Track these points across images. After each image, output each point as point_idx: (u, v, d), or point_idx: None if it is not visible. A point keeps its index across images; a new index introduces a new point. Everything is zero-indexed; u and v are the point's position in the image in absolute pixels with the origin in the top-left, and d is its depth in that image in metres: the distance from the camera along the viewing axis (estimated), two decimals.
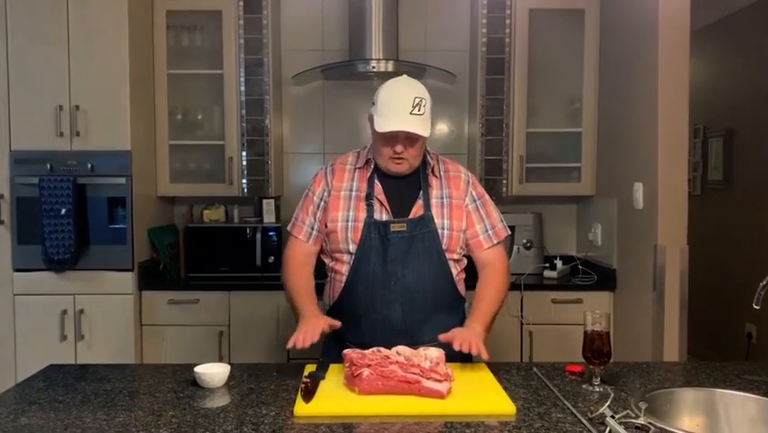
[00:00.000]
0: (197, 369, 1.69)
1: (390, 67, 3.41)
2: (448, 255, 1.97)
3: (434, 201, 1.98)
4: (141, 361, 3.20)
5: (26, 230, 3.09)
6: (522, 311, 3.25)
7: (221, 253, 3.41)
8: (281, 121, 3.76)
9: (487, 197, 2.09)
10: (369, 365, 1.61)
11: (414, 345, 1.76)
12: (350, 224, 1.95)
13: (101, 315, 3.13)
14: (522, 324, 3.26)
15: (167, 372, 1.85)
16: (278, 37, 3.67)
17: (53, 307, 3.11)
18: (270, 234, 3.41)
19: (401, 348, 1.72)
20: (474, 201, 2.04)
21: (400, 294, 1.92)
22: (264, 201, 3.49)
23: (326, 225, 1.99)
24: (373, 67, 3.41)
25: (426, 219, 1.95)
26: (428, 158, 2.02)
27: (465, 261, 2.06)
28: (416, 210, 1.96)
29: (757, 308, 1.65)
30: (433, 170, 2.01)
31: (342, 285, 1.97)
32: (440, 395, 1.55)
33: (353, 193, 1.98)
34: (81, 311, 3.12)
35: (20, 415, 1.49)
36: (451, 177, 2.04)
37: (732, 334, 4.45)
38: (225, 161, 3.46)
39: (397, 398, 1.55)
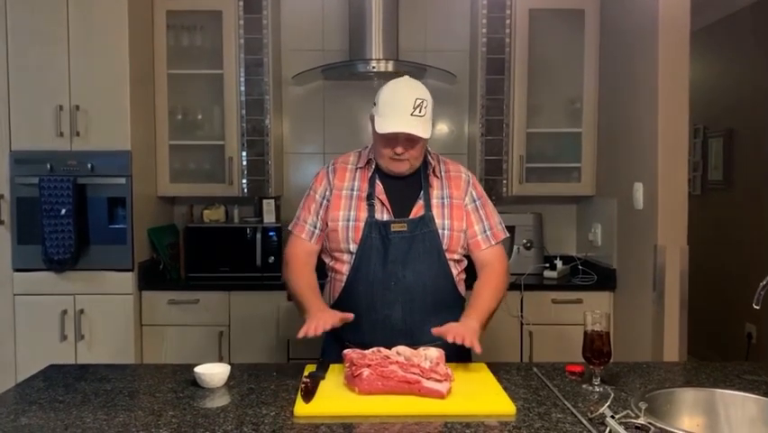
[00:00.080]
0: (197, 369, 1.69)
1: (390, 67, 3.41)
2: (448, 255, 1.97)
3: (434, 201, 1.98)
4: (141, 361, 3.20)
5: (26, 230, 3.09)
6: (522, 311, 3.25)
7: (221, 253, 3.41)
8: (281, 121, 3.76)
9: (486, 198, 2.08)
10: (369, 365, 1.61)
11: (414, 345, 1.75)
12: (351, 223, 1.95)
13: (101, 315, 3.13)
14: (522, 324, 3.26)
15: (167, 372, 1.85)
16: (279, 37, 3.67)
17: (53, 307, 3.11)
18: (270, 234, 3.41)
19: (401, 348, 1.72)
20: (474, 201, 2.04)
21: (401, 294, 1.92)
22: (264, 201, 3.49)
23: (327, 225, 1.99)
24: (373, 67, 3.41)
25: (427, 219, 1.95)
26: (429, 158, 2.02)
27: (465, 261, 2.06)
28: (417, 210, 1.96)
29: (757, 308, 1.65)
30: (434, 171, 2.01)
31: (343, 285, 1.97)
32: (440, 395, 1.55)
33: (355, 193, 1.98)
34: (81, 311, 3.12)
35: (20, 415, 1.49)
36: (451, 177, 2.04)
37: (732, 334, 4.45)
38: (225, 161, 3.46)
39: (397, 398, 1.55)
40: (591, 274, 3.41)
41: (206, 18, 3.47)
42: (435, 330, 1.77)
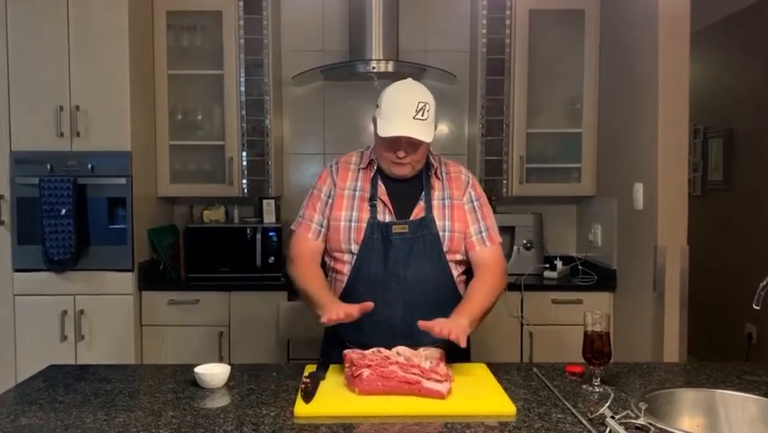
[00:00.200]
0: (197, 369, 1.69)
1: (390, 67, 3.41)
2: (450, 257, 1.97)
3: (435, 203, 1.98)
4: (141, 361, 3.20)
5: (26, 230, 3.09)
6: (522, 312, 3.25)
7: (221, 253, 3.41)
8: (281, 121, 3.76)
9: (485, 200, 2.07)
10: (369, 366, 1.61)
11: (414, 345, 1.76)
12: (353, 224, 1.95)
13: (101, 315, 3.13)
14: (522, 324, 3.26)
15: (167, 372, 1.85)
16: (279, 37, 3.67)
17: (53, 307, 3.11)
18: (270, 234, 3.41)
19: (401, 349, 1.73)
20: (471, 202, 2.03)
21: (401, 295, 1.92)
22: (264, 201, 3.49)
23: (329, 224, 1.99)
24: (373, 67, 3.41)
25: (428, 221, 1.95)
26: (431, 160, 2.02)
27: (466, 262, 2.06)
28: (418, 212, 1.96)
29: (757, 308, 1.65)
30: (435, 172, 2.01)
31: (344, 285, 1.97)
32: (440, 396, 1.55)
33: (357, 193, 1.98)
34: (81, 312, 3.12)
35: (20, 415, 1.49)
36: (452, 178, 2.04)
37: (732, 334, 4.45)
38: (225, 161, 3.46)
39: (397, 398, 1.55)
40: (591, 275, 3.41)
41: (207, 18, 3.47)
42: (422, 324, 1.73)
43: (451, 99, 3.74)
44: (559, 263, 3.46)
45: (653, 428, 1.35)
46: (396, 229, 1.93)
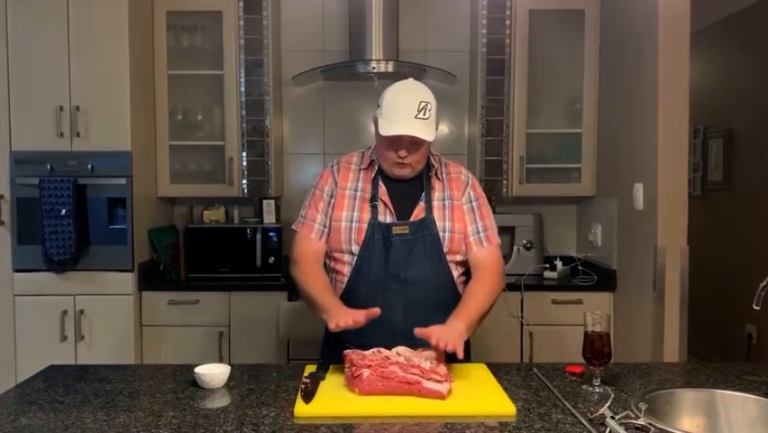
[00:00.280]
0: (198, 370, 1.69)
1: (390, 68, 3.41)
2: (450, 257, 1.97)
3: (435, 203, 1.98)
4: (141, 361, 3.20)
5: (26, 230, 3.09)
6: (522, 312, 3.25)
7: (221, 253, 3.41)
8: (281, 122, 3.76)
9: (484, 200, 2.06)
10: (369, 366, 1.61)
11: (414, 346, 1.75)
12: (354, 224, 1.95)
13: (101, 315, 3.13)
14: (522, 324, 3.26)
15: (167, 372, 1.85)
16: (279, 38, 3.67)
17: (53, 307, 3.11)
18: (271, 234, 3.41)
19: (401, 349, 1.73)
20: (470, 202, 2.03)
21: (401, 296, 1.92)
22: (264, 202, 3.49)
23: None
24: (373, 68, 3.41)
25: (428, 222, 1.95)
26: (432, 160, 2.02)
27: (467, 263, 2.05)
28: (418, 212, 1.96)
29: (757, 308, 1.65)
30: (436, 173, 2.01)
31: (344, 286, 1.97)
32: (440, 396, 1.55)
33: (358, 193, 1.98)
34: (81, 312, 3.12)
35: (20, 415, 1.49)
36: (452, 178, 2.04)
37: (732, 334, 4.45)
38: (225, 161, 3.46)
39: (397, 399, 1.55)
40: (591, 275, 3.41)
41: (207, 19, 3.47)
42: (418, 331, 1.73)
43: (451, 99, 3.74)
44: (559, 264, 3.46)
45: (653, 429, 1.35)
46: (396, 230, 1.93)
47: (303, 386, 1.62)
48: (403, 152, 1.89)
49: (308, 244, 2.01)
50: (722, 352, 4.51)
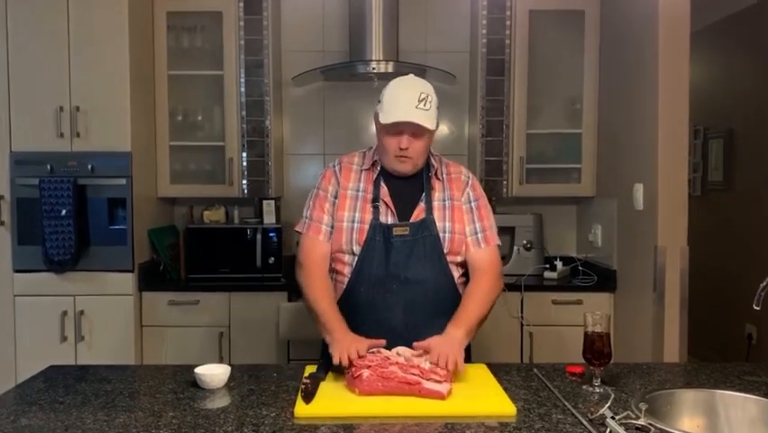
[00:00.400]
0: (198, 370, 1.69)
1: (390, 68, 3.41)
2: (450, 258, 1.97)
3: (436, 204, 1.98)
4: (141, 362, 3.20)
5: (26, 231, 3.09)
6: (522, 312, 3.25)
7: (221, 254, 3.41)
8: (281, 122, 3.76)
9: (484, 201, 2.05)
10: (369, 366, 1.61)
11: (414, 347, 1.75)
12: (355, 225, 1.94)
13: (101, 316, 3.13)
14: (522, 325, 3.26)
15: (167, 373, 1.86)
16: (279, 38, 3.67)
17: (53, 308, 3.11)
18: (271, 235, 3.41)
19: (401, 349, 1.73)
20: (469, 202, 2.02)
21: (402, 297, 1.91)
22: (264, 202, 3.49)
23: None
24: (373, 68, 3.41)
25: (428, 223, 1.94)
26: (432, 160, 2.02)
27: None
28: (418, 213, 1.96)
29: (757, 308, 1.65)
30: (436, 173, 2.01)
31: (344, 287, 1.97)
32: (440, 396, 1.55)
33: (360, 194, 1.98)
34: (81, 312, 3.12)
35: (20, 416, 1.49)
36: (453, 179, 2.03)
37: (732, 335, 4.45)
38: (226, 161, 3.46)
39: (397, 399, 1.56)
40: (591, 275, 3.41)
41: (207, 19, 3.47)
42: (417, 344, 1.73)
43: (451, 100, 3.74)
44: (559, 264, 3.46)
45: (653, 429, 1.35)
46: (396, 231, 1.92)
47: (303, 386, 1.62)
48: (404, 143, 1.88)
49: (317, 248, 1.98)
50: (722, 352, 4.50)
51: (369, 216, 1.94)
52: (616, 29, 3.27)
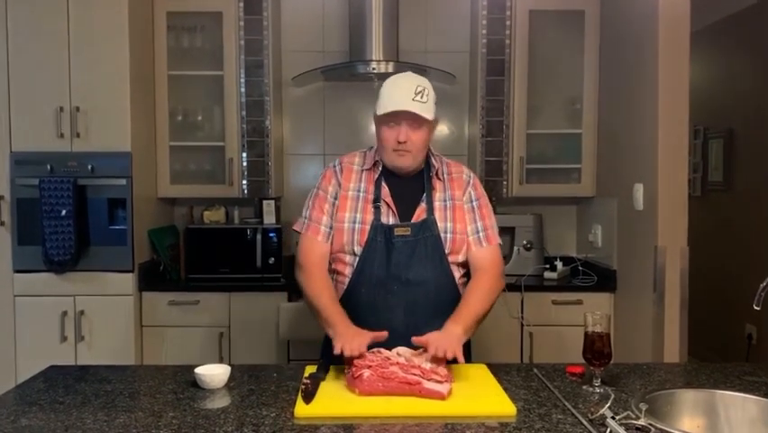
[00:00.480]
0: (198, 370, 1.69)
1: (390, 68, 3.41)
2: (452, 258, 1.96)
3: (437, 204, 1.97)
4: (141, 362, 3.20)
5: (26, 231, 3.09)
6: (522, 312, 3.25)
7: (221, 254, 3.41)
8: (281, 122, 3.76)
9: (485, 200, 2.05)
10: (369, 367, 1.61)
11: (415, 347, 1.75)
12: (357, 225, 1.94)
13: (101, 316, 3.13)
14: (522, 325, 3.26)
15: (167, 373, 1.85)
16: (279, 38, 3.67)
17: (53, 308, 3.11)
18: (271, 235, 3.41)
19: (402, 349, 1.73)
20: (471, 201, 2.02)
21: (403, 297, 1.91)
22: (264, 202, 3.49)
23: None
24: (373, 68, 3.41)
25: (429, 223, 1.94)
26: (432, 160, 2.02)
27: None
28: (419, 213, 1.96)
29: (757, 309, 1.65)
30: (437, 173, 2.01)
31: (345, 287, 1.97)
32: (441, 396, 1.55)
33: (361, 194, 1.97)
34: (81, 312, 3.12)
35: (20, 416, 1.49)
36: (454, 178, 2.03)
37: (732, 335, 4.45)
38: (226, 162, 3.46)
39: (397, 399, 1.55)
40: (591, 275, 3.41)
41: (207, 19, 3.47)
42: (416, 339, 1.73)
43: (451, 100, 3.74)
44: (559, 264, 3.46)
45: (653, 429, 1.35)
46: (398, 231, 1.92)
47: (303, 387, 1.62)
48: (402, 136, 1.88)
49: (315, 248, 1.98)
50: (722, 352, 4.51)
51: (370, 217, 1.94)
52: (616, 29, 3.27)
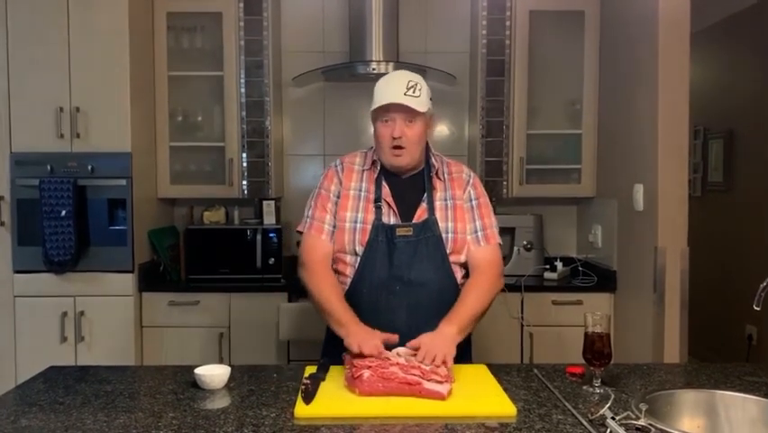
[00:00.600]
0: (198, 370, 1.68)
1: (390, 68, 3.40)
2: (453, 258, 1.96)
3: (438, 204, 1.97)
4: (141, 362, 3.20)
5: (27, 232, 3.09)
6: (522, 313, 3.25)
7: (221, 254, 3.41)
8: (281, 122, 3.76)
9: (485, 199, 2.05)
10: (369, 367, 1.61)
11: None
12: (358, 225, 1.94)
13: (101, 316, 3.13)
14: (522, 325, 3.26)
15: (167, 373, 1.85)
16: (279, 39, 3.67)
17: (53, 308, 3.11)
18: (271, 235, 3.41)
19: (401, 350, 1.73)
20: (470, 201, 2.02)
21: (405, 298, 1.91)
22: (264, 203, 3.49)
23: None
24: (373, 68, 3.41)
25: (430, 223, 1.94)
26: (433, 160, 2.02)
27: None
28: (420, 213, 1.96)
29: (758, 309, 1.65)
30: (437, 173, 2.01)
31: (347, 288, 1.97)
32: (441, 397, 1.55)
33: (362, 194, 1.97)
34: (81, 313, 3.12)
35: (20, 417, 1.49)
36: (454, 178, 2.03)
37: (732, 335, 4.45)
38: (226, 162, 3.46)
39: (397, 399, 1.55)
40: (591, 276, 3.41)
41: (207, 19, 3.47)
42: (409, 344, 1.74)
43: (451, 100, 3.74)
44: (559, 264, 3.46)
45: (653, 429, 1.35)
46: (400, 232, 1.92)
47: (303, 387, 1.62)
48: (397, 131, 1.89)
49: (319, 246, 1.97)
50: (722, 353, 4.50)
51: (371, 217, 1.94)
52: (616, 29, 3.27)
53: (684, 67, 2.75)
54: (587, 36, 3.46)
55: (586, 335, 1.69)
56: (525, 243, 3.55)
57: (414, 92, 1.88)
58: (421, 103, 1.89)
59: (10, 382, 2.76)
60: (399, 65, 3.44)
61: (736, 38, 4.57)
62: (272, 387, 1.69)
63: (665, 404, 1.57)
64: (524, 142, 3.48)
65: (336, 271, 2.00)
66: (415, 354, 1.71)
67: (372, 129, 1.99)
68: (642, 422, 1.37)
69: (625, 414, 1.41)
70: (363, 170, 2.01)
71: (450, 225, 1.96)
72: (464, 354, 1.93)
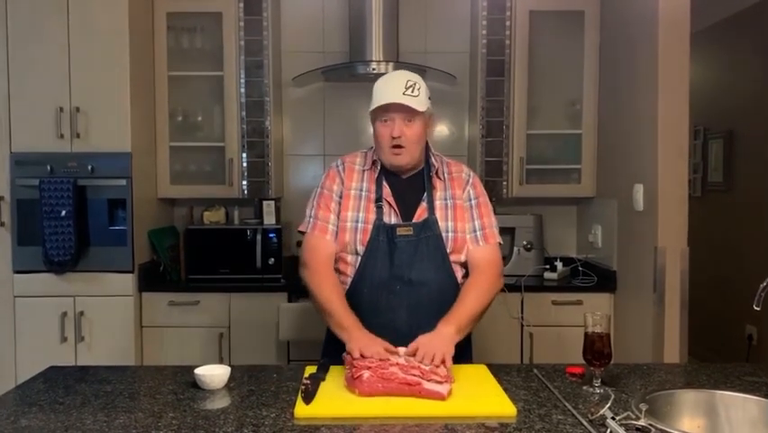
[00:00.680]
0: (198, 371, 1.68)
1: (390, 68, 3.40)
2: (454, 258, 1.96)
3: (438, 203, 1.97)
4: (141, 363, 3.20)
5: (26, 232, 3.09)
6: (522, 313, 3.25)
7: (221, 254, 3.41)
8: (281, 123, 3.76)
9: (485, 199, 2.05)
10: (369, 367, 1.61)
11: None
12: (359, 225, 1.94)
13: (101, 316, 3.13)
14: (522, 325, 3.26)
15: (167, 373, 1.85)
16: (279, 39, 3.67)
17: (53, 308, 3.11)
18: (271, 235, 3.41)
19: (402, 350, 1.73)
20: (469, 200, 2.02)
21: (405, 298, 1.91)
22: (264, 203, 3.49)
23: None
24: (373, 69, 3.41)
25: (431, 223, 1.94)
26: (433, 160, 2.02)
27: None
28: (420, 213, 1.96)
29: (758, 309, 1.65)
30: (437, 173, 2.01)
31: (347, 287, 1.97)
32: (440, 397, 1.55)
33: (363, 194, 1.98)
34: (81, 313, 3.12)
35: (20, 417, 1.49)
36: (454, 177, 2.03)
37: (732, 335, 4.45)
38: (226, 162, 3.46)
39: (397, 400, 1.55)
40: (591, 276, 3.41)
41: (207, 20, 3.47)
42: (408, 350, 1.73)
43: (451, 100, 3.74)
44: (559, 264, 3.46)
45: (653, 429, 1.35)
46: (400, 231, 1.92)
47: (303, 387, 1.62)
48: (396, 131, 1.89)
49: (322, 247, 1.97)
50: (722, 353, 4.50)
51: (372, 216, 1.94)
52: (616, 29, 3.27)
53: (684, 67, 2.75)
54: (587, 36, 3.46)
55: (586, 335, 1.69)
56: (525, 243, 3.55)
57: (412, 92, 1.88)
58: (420, 102, 1.89)
59: (10, 382, 2.76)
60: (399, 65, 3.44)
61: (736, 38, 4.57)
62: (272, 387, 1.69)
63: (665, 404, 1.57)
64: (524, 142, 3.48)
65: (337, 271, 2.00)
66: (414, 355, 1.71)
67: (372, 129, 1.99)
68: (642, 422, 1.37)
69: (625, 414, 1.41)
70: (364, 170, 2.01)
71: (450, 224, 1.96)
72: (464, 354, 1.93)
